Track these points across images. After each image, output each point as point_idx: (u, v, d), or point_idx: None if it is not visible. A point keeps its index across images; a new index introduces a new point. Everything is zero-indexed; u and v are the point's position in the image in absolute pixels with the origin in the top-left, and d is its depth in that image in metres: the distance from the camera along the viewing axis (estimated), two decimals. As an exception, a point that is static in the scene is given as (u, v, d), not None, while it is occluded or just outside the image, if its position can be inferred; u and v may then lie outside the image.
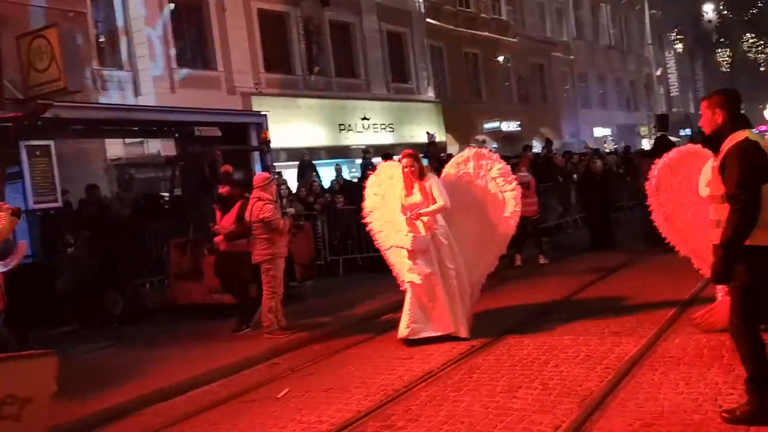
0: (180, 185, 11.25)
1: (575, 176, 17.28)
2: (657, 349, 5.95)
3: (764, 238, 3.92)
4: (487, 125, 27.45)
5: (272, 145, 11.29)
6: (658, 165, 7.09)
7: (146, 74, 15.88)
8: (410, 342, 6.93)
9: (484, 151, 7.80)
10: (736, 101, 4.22)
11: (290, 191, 12.87)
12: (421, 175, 7.07)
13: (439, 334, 6.90)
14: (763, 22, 53.26)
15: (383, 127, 22.07)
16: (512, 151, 22.71)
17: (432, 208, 6.99)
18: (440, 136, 22.78)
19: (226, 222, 8.24)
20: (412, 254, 6.98)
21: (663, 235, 7.09)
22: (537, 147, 25.51)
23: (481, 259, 7.42)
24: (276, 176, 9.29)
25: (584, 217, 15.20)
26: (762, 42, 47.85)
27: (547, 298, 8.75)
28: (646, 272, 9.57)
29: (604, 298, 8.41)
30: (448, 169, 7.71)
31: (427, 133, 19.91)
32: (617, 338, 6.45)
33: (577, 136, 33.61)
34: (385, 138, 21.74)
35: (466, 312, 7.12)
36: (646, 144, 36.01)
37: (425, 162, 10.93)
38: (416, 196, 7.04)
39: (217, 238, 8.29)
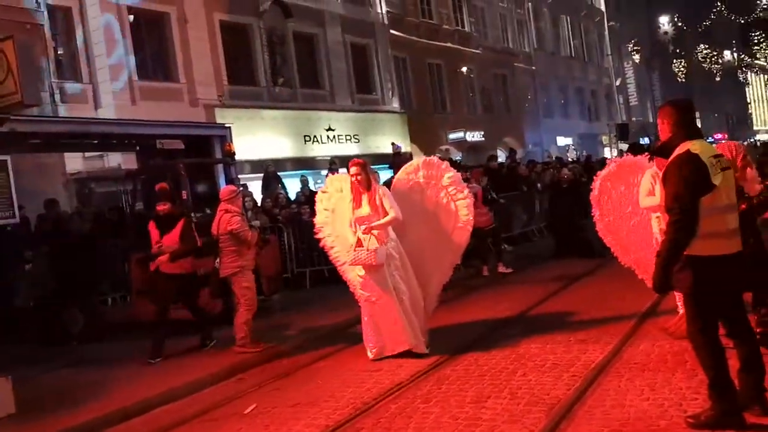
0: (142, 199, 11.05)
1: (539, 185, 17.48)
2: (622, 356, 6.01)
3: (702, 248, 3.98)
4: (452, 135, 27.62)
5: (236, 157, 11.17)
6: (600, 176, 7.21)
7: (106, 87, 15.65)
8: None
9: (434, 159, 7.59)
10: (686, 111, 4.25)
11: (255, 203, 12.76)
12: (368, 186, 6.89)
13: (397, 352, 6.77)
14: (716, 33, 54.73)
15: (348, 137, 22.06)
16: (476, 160, 22.89)
17: (383, 220, 6.81)
18: (405, 147, 22.83)
19: (168, 241, 7.86)
20: (369, 269, 6.80)
21: (607, 245, 7.19)
22: (501, 156, 25.79)
23: (435, 270, 7.27)
24: (241, 188, 9.19)
25: (548, 225, 15.25)
26: (715, 53, 49.12)
27: (513, 308, 8.79)
28: (609, 279, 9.66)
29: (569, 307, 8.47)
30: (398, 179, 7.54)
31: (392, 144, 19.95)
32: (583, 346, 6.50)
33: (540, 146, 34.02)
34: (351, 149, 21.71)
35: (422, 326, 6.98)
36: (608, 153, 36.61)
37: (390, 173, 10.92)
38: (365, 209, 6.86)
39: (161, 258, 7.81)
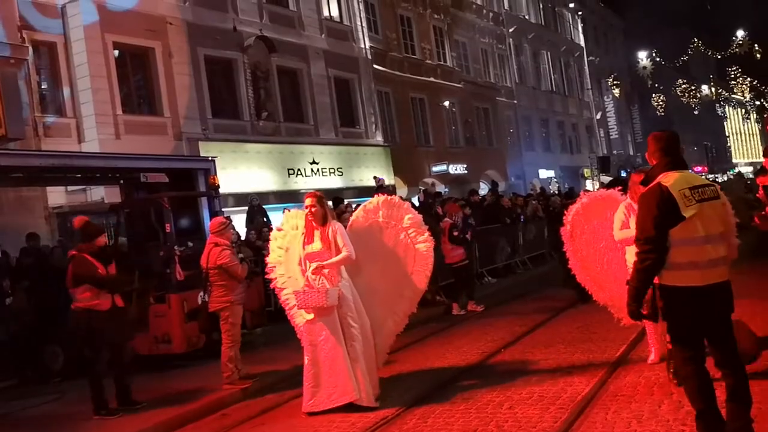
0: (125, 233, 10.99)
1: (522, 218, 17.63)
2: (609, 388, 6.01)
3: (674, 278, 4.03)
4: (435, 168, 27.79)
5: (220, 190, 11.16)
6: (572, 211, 7.01)
7: (90, 120, 15.61)
8: None
9: (395, 199, 7.16)
10: (665, 141, 4.30)
11: (239, 236, 12.72)
12: (323, 221, 6.47)
13: (340, 404, 6.24)
14: (694, 68, 55.84)
15: (332, 171, 22.12)
16: (460, 193, 23.02)
17: (335, 259, 6.35)
18: (389, 180, 22.95)
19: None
20: (318, 312, 6.33)
21: (580, 282, 6.98)
22: (484, 189, 25.95)
23: (387, 319, 6.85)
24: (230, 220, 9.12)
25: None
26: (693, 87, 50.03)
27: (497, 341, 8.78)
28: (594, 311, 9.64)
29: (554, 339, 8.47)
30: (357, 216, 7.12)
31: (375, 177, 20.05)
32: (569, 378, 6.49)
33: (522, 178, 34.28)
34: (335, 182, 21.79)
35: (372, 377, 6.49)
36: (590, 185, 36.95)
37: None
38: (316, 245, 6.41)
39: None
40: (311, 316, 6.41)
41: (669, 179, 4.09)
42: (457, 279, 11.88)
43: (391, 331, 6.95)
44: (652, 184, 4.15)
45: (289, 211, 7.00)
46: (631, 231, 5.68)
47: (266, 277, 7.02)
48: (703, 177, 5.34)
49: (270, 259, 6.85)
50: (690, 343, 4.09)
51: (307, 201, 6.54)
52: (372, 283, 6.82)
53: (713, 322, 4.12)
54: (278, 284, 6.77)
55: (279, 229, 6.95)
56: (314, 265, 6.38)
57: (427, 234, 6.95)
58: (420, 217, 7.11)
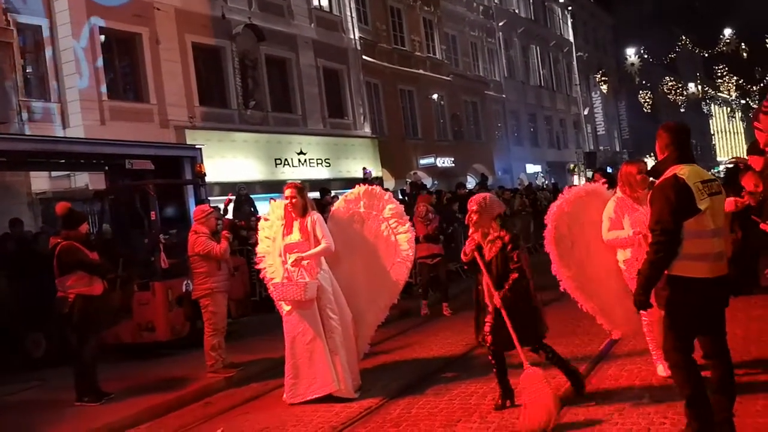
0: (109, 220, 10.90)
1: (508, 211, 17.66)
2: (591, 381, 6.03)
3: (685, 269, 4.04)
4: (423, 161, 27.79)
5: (206, 179, 11.09)
6: (552, 209, 6.08)
7: (75, 106, 15.46)
8: None
9: (376, 189, 7.07)
10: (676, 134, 4.27)
11: (226, 224, 12.63)
12: (303, 212, 6.43)
13: (319, 395, 6.24)
14: (681, 66, 56.14)
15: (320, 162, 22.07)
16: (447, 186, 23.05)
17: (314, 250, 6.31)
18: (376, 172, 22.94)
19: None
20: (296, 304, 6.30)
21: (567, 291, 6.24)
22: (471, 183, 25.98)
23: (368, 310, 6.79)
24: (213, 210, 9.05)
25: None
26: (680, 85, 50.30)
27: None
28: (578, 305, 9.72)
29: (538, 331, 8.49)
30: (337, 207, 7.07)
31: (363, 169, 20.03)
32: (552, 370, 6.49)
33: (509, 173, 34.36)
34: (322, 173, 21.75)
35: (352, 368, 6.47)
36: (576, 180, 37.11)
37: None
38: (295, 236, 6.38)
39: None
40: (290, 307, 6.39)
41: (684, 171, 4.08)
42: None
43: (371, 323, 6.90)
44: (666, 176, 4.12)
45: (275, 201, 6.96)
46: (624, 231, 5.57)
47: (255, 267, 6.98)
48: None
49: (259, 249, 6.82)
50: (686, 333, 4.12)
51: (287, 192, 6.48)
52: (353, 274, 6.78)
53: (713, 313, 4.17)
54: (267, 274, 6.72)
55: (266, 219, 6.90)
56: (293, 256, 6.33)
57: (408, 225, 6.91)
58: (402, 207, 7.06)
